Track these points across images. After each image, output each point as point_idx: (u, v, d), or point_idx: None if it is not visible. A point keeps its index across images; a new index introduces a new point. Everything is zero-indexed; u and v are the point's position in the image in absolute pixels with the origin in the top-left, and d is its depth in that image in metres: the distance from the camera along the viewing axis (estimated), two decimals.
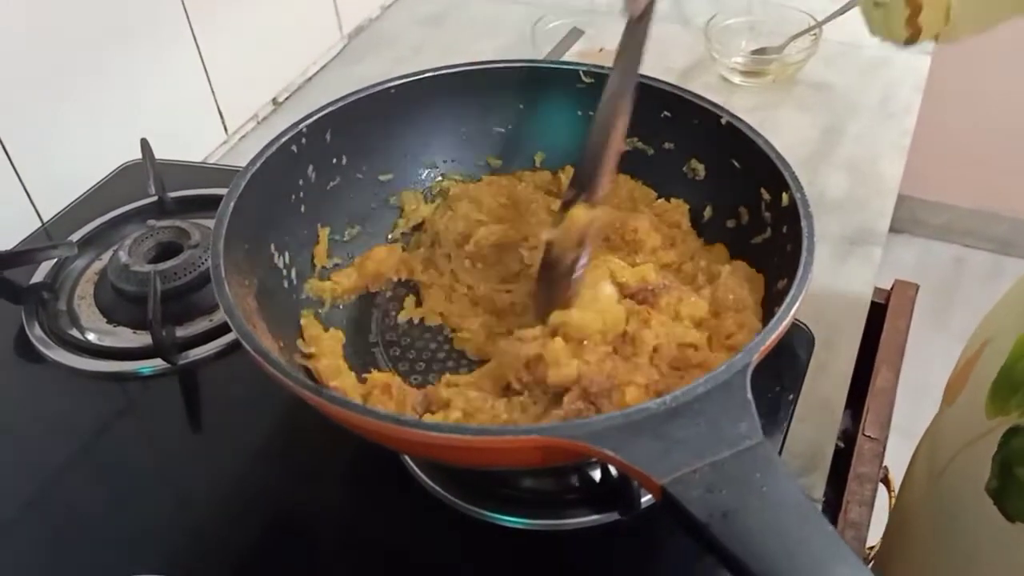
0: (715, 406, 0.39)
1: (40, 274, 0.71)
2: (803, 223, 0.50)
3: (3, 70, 0.72)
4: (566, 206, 0.55)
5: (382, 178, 0.65)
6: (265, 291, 0.54)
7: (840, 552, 0.34)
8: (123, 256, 0.68)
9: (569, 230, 0.54)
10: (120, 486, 0.57)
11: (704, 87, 0.99)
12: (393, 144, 0.65)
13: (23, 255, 0.70)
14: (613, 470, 0.52)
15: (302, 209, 0.60)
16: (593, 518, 0.52)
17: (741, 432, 0.38)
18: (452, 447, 0.41)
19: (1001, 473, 0.50)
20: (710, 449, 0.37)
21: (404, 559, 0.53)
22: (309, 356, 0.54)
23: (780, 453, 0.56)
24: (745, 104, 0.96)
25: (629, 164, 0.65)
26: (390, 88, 0.62)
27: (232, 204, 0.52)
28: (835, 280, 0.75)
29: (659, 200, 0.64)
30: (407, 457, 0.56)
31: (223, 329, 0.65)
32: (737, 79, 1.00)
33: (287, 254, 0.58)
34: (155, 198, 0.77)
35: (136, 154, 0.79)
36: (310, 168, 0.60)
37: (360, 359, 0.58)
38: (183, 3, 0.87)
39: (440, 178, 0.67)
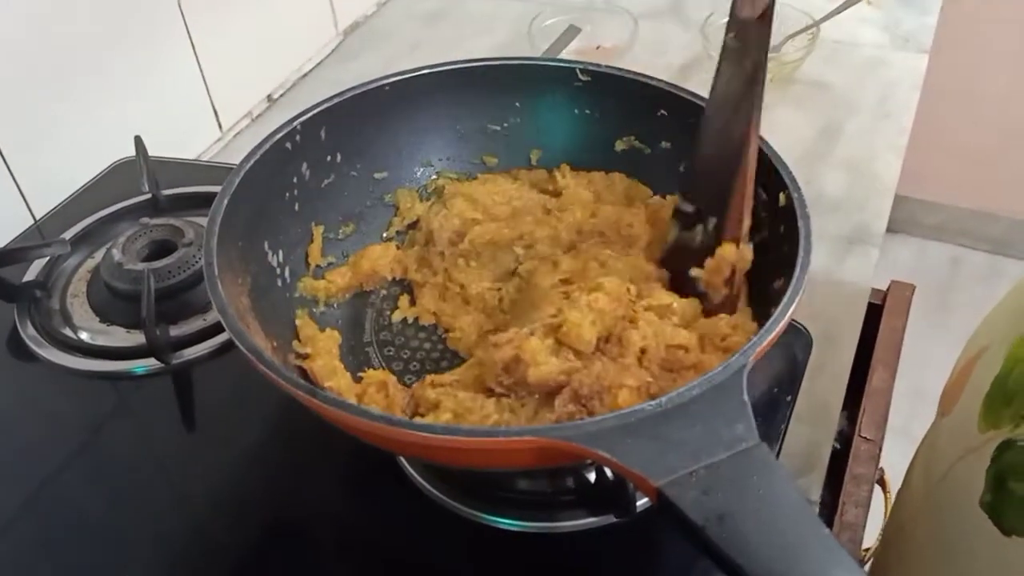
0: (711, 408, 0.39)
1: (33, 272, 0.70)
2: (800, 223, 0.50)
3: None
4: (682, 218, 0.54)
5: (377, 176, 0.65)
6: (259, 290, 0.53)
7: (837, 556, 0.34)
8: (116, 254, 0.67)
9: (718, 269, 0.52)
10: (114, 486, 0.57)
11: (701, 85, 0.97)
12: (388, 142, 0.64)
13: (15, 253, 0.70)
14: (609, 472, 0.52)
15: (296, 207, 0.59)
16: (589, 520, 0.52)
17: (738, 434, 0.38)
18: (446, 448, 0.40)
19: (995, 487, 0.49)
20: (706, 451, 0.37)
21: (399, 560, 0.53)
22: (305, 357, 0.54)
23: (778, 455, 0.56)
24: None
25: (626, 163, 0.65)
26: (385, 85, 0.62)
27: (225, 202, 0.52)
28: (832, 280, 0.75)
29: (655, 197, 0.63)
30: (403, 458, 0.55)
31: (217, 328, 0.65)
32: None
33: (281, 252, 0.58)
34: (149, 196, 0.76)
35: (129, 151, 0.78)
36: (304, 166, 0.59)
37: (355, 358, 0.58)
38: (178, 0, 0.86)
39: (435, 176, 0.67)
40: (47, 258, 0.71)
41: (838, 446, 0.64)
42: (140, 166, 0.77)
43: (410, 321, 0.61)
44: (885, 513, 0.72)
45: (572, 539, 0.52)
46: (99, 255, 0.72)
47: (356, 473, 0.57)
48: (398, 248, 0.64)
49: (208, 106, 0.94)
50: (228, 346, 0.63)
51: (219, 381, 0.63)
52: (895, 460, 0.71)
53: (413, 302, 0.61)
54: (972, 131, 1.98)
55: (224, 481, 0.57)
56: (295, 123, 0.58)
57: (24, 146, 0.75)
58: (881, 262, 0.78)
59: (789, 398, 0.59)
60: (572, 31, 1.03)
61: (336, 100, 0.60)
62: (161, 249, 0.69)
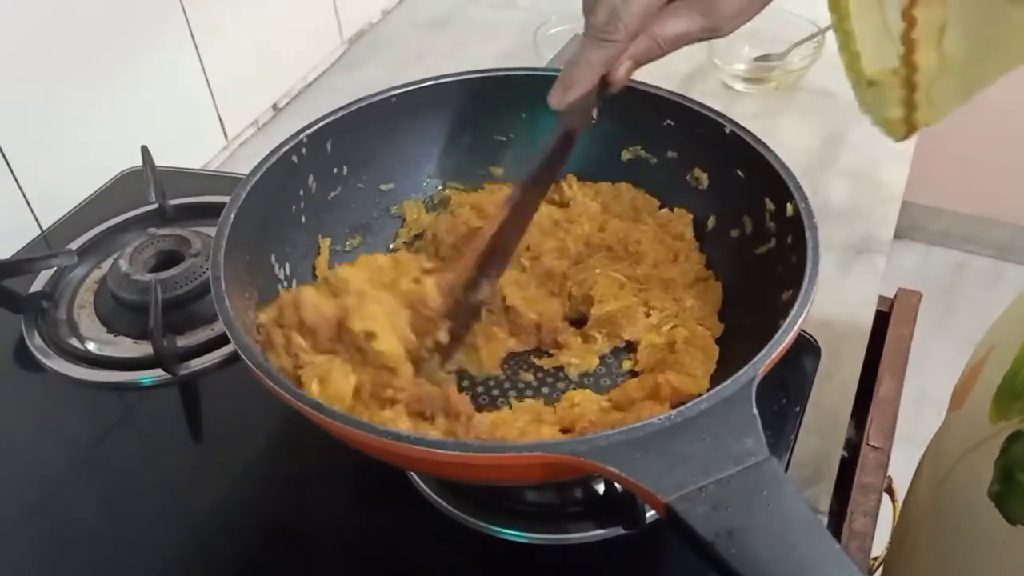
0: (720, 421, 0.39)
1: (39, 283, 0.70)
2: (808, 234, 0.50)
3: (2, 77, 0.72)
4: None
5: (383, 187, 0.65)
6: (266, 303, 0.53)
7: (849, 572, 0.34)
8: (123, 265, 0.67)
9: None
10: (120, 497, 0.57)
11: (706, 94, 0.98)
12: (394, 153, 0.64)
13: (22, 264, 0.70)
14: (618, 484, 0.52)
15: (303, 220, 0.59)
16: (598, 533, 0.52)
17: (747, 448, 0.38)
18: (454, 463, 0.40)
19: (1003, 477, 0.50)
20: (715, 466, 0.37)
21: (408, 572, 0.53)
22: None
23: (787, 468, 0.56)
24: (747, 111, 0.96)
25: (632, 173, 0.64)
26: (391, 97, 0.62)
27: (232, 216, 0.52)
28: (839, 289, 0.75)
29: (663, 210, 0.63)
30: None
31: (224, 339, 0.65)
32: (739, 86, 1.00)
33: (288, 265, 0.58)
34: (155, 205, 0.76)
35: (136, 161, 0.79)
36: (311, 178, 0.59)
37: None
38: (183, 9, 0.86)
39: (441, 187, 0.67)
40: (54, 269, 0.71)
41: (846, 454, 0.64)
42: (147, 176, 0.77)
43: None
44: (893, 520, 0.72)
45: (581, 551, 0.52)
46: (106, 265, 0.72)
47: (364, 485, 0.57)
48: None
49: (214, 115, 0.94)
50: (235, 357, 0.63)
51: (226, 392, 0.63)
52: (899, 464, 0.70)
53: None
54: (975, 137, 1.97)
55: (231, 493, 0.57)
56: (301, 136, 0.58)
57: (31, 156, 0.75)
58: (885, 268, 0.78)
59: (798, 408, 0.58)
60: (577, 40, 1.03)
61: (342, 113, 0.60)
62: (168, 259, 0.69)
